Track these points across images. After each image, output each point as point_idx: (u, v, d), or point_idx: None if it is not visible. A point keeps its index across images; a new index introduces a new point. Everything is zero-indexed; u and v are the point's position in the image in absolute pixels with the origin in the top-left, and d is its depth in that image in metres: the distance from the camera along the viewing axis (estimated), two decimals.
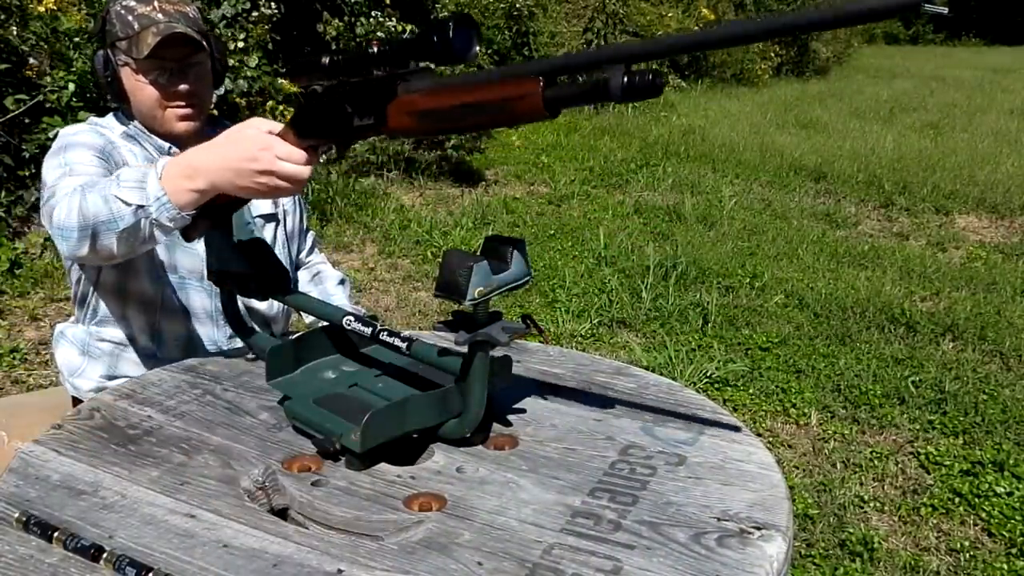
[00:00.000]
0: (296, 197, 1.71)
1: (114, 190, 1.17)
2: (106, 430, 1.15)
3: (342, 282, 1.77)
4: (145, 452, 1.10)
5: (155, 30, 1.43)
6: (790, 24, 0.76)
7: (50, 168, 1.41)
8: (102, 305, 1.55)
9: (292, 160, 1.07)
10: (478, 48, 0.94)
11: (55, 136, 1.53)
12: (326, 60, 1.03)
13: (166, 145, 1.54)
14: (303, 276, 1.77)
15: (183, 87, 1.49)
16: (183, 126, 1.51)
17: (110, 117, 1.58)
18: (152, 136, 1.53)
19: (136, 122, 1.54)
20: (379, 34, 5.28)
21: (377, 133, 1.04)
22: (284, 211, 1.70)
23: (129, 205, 1.16)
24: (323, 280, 1.75)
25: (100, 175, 1.35)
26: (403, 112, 0.99)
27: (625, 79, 0.81)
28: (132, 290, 1.51)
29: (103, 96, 3.91)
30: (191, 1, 1.54)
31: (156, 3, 1.46)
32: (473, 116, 0.93)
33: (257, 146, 1.08)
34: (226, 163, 1.10)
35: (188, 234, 1.22)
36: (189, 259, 1.53)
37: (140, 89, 1.48)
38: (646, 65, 0.84)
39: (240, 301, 1.59)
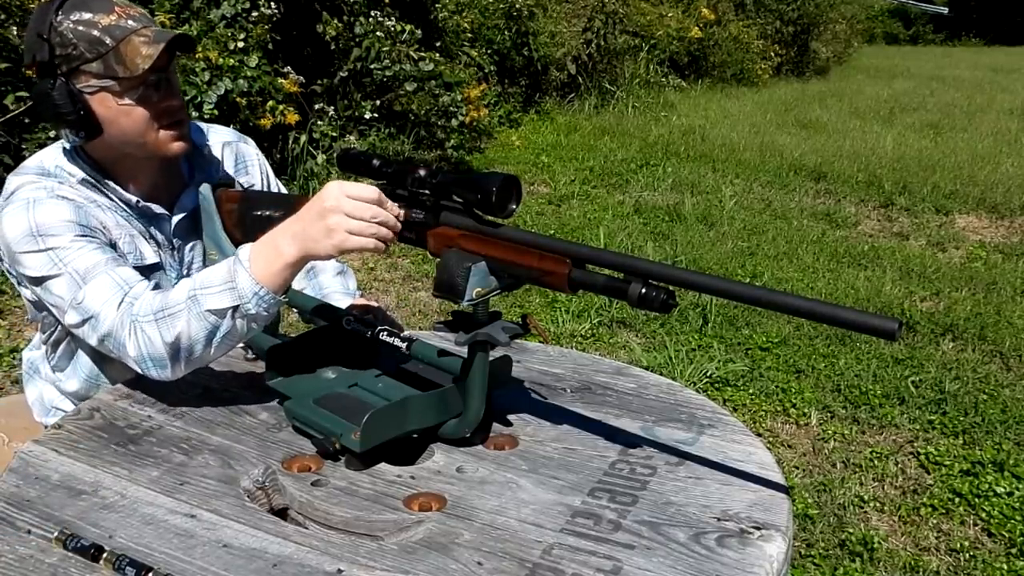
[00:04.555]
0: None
1: (201, 306, 1.10)
2: (106, 430, 1.15)
3: (341, 272, 1.58)
4: (145, 452, 1.10)
5: (144, 38, 1.19)
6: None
7: (40, 270, 1.20)
8: (82, 359, 1.39)
9: (362, 198, 1.04)
10: (517, 207, 1.01)
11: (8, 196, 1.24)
12: (376, 163, 1.11)
13: (133, 199, 1.32)
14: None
15: (175, 101, 1.28)
16: (178, 146, 1.30)
17: (55, 165, 1.29)
18: (115, 185, 1.31)
19: (88, 168, 1.29)
20: (378, 34, 5.26)
21: (417, 246, 1.11)
22: None
23: (223, 314, 1.10)
24: (316, 274, 1.56)
25: (103, 259, 1.21)
26: (441, 242, 1.07)
27: (643, 290, 0.92)
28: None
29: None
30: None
31: (118, 9, 1.21)
32: (504, 269, 1.02)
33: (326, 197, 1.06)
34: (302, 224, 1.08)
35: None
36: None
37: (126, 114, 1.24)
38: (663, 284, 0.93)
39: None
